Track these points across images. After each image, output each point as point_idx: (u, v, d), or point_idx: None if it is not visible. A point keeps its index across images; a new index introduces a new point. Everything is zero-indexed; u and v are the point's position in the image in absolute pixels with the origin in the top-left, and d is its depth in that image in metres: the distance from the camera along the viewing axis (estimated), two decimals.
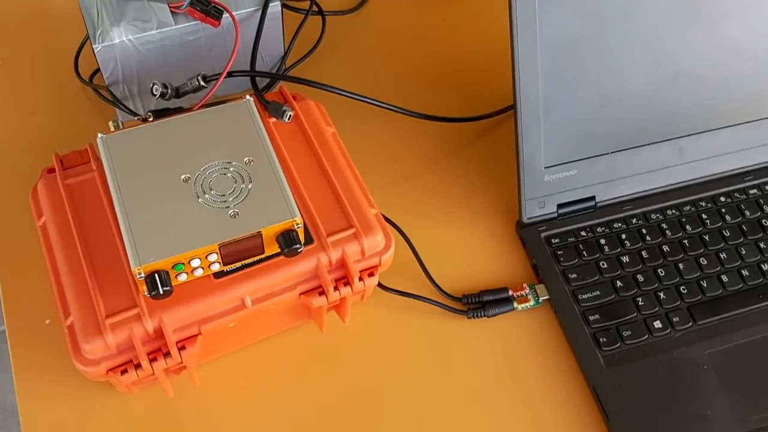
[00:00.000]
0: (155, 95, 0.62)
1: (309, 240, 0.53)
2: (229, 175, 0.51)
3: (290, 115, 0.56)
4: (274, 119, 0.58)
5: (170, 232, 0.48)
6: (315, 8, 0.74)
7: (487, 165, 0.70)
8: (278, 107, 0.57)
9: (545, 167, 0.64)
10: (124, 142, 0.52)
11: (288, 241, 0.49)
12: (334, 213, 0.54)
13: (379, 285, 0.61)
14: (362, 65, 0.76)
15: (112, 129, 0.54)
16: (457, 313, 0.61)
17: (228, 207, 0.50)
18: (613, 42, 0.61)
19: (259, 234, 0.49)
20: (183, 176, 0.51)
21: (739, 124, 0.67)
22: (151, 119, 0.61)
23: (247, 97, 0.55)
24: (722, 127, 0.67)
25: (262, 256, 0.51)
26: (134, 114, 0.65)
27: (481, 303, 0.62)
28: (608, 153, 0.65)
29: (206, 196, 0.50)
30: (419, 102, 0.73)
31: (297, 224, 0.50)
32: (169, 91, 0.63)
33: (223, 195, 0.50)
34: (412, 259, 0.63)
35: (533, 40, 0.59)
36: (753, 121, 0.67)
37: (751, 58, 0.64)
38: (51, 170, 0.56)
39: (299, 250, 0.50)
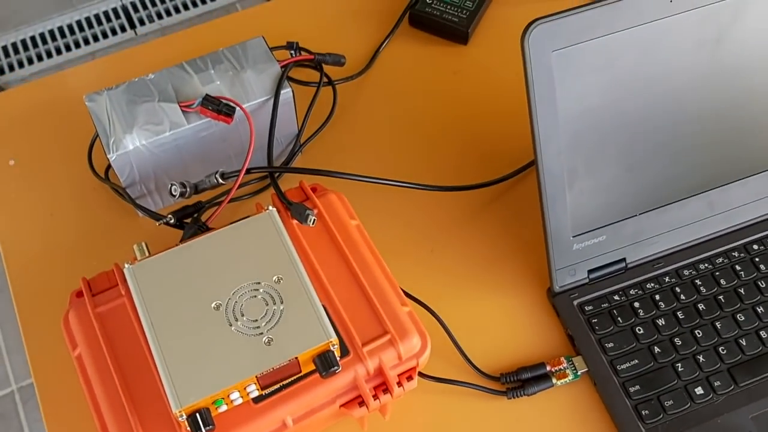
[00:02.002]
0: (174, 196, 0.62)
1: (345, 351, 0.52)
2: (259, 297, 0.50)
3: (314, 220, 0.55)
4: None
5: (206, 366, 0.48)
6: (325, 79, 0.72)
7: (512, 229, 0.69)
8: (301, 210, 0.56)
9: (573, 236, 0.63)
10: (152, 271, 0.51)
11: (325, 364, 0.49)
12: (367, 319, 0.54)
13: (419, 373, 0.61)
14: (375, 130, 0.75)
15: (138, 255, 0.54)
16: (496, 395, 0.61)
17: (261, 333, 0.49)
18: (636, 109, 0.59)
19: (296, 359, 0.49)
20: (214, 303, 0.50)
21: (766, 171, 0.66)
22: (172, 221, 0.61)
23: (270, 208, 0.54)
24: (751, 175, 0.65)
25: (300, 375, 0.51)
26: (154, 215, 0.65)
27: (519, 381, 0.61)
28: (636, 215, 0.64)
29: (238, 323, 0.50)
30: (436, 167, 0.72)
31: (333, 344, 0.49)
32: (188, 189, 0.62)
33: (256, 320, 0.50)
34: (447, 340, 0.62)
35: (553, 115, 0.58)
36: None
37: None
38: (79, 293, 0.56)
39: (337, 371, 0.49)
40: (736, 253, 0.67)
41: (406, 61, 0.79)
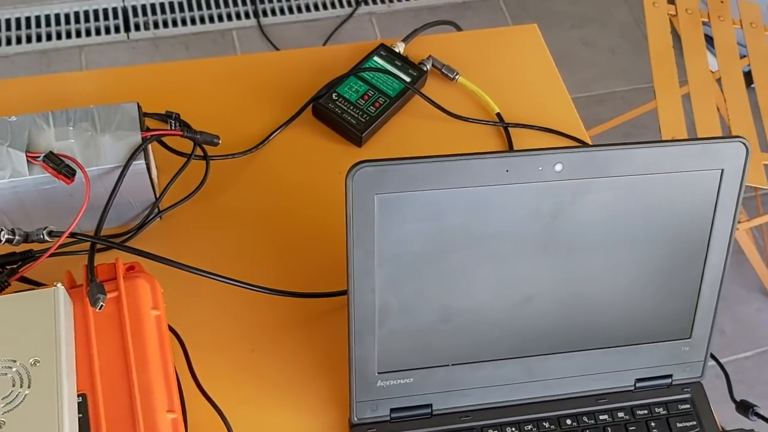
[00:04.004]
0: (1, 241, 0.62)
1: None
2: (9, 375, 0.50)
3: (101, 306, 0.55)
4: None
5: None
6: (200, 153, 0.73)
7: (340, 344, 0.68)
8: (94, 292, 0.56)
9: (378, 372, 0.62)
10: None
11: None
12: (123, 419, 0.53)
13: None
14: (241, 214, 0.75)
15: None
16: None
17: None
18: (458, 263, 0.59)
19: None
20: None
21: (591, 350, 0.65)
22: None
23: (58, 285, 0.54)
24: (574, 351, 0.65)
25: None
26: None
27: None
28: (448, 365, 0.63)
29: None
30: (286, 269, 0.72)
31: None
32: (16, 237, 0.63)
33: None
34: None
35: (370, 253, 0.57)
36: (606, 347, 0.65)
37: (604, 289, 0.62)
38: None
39: None
40: (546, 424, 0.66)
41: (299, 150, 0.79)
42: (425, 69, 0.84)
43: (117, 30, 1.85)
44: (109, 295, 0.57)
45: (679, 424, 0.67)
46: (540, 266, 0.60)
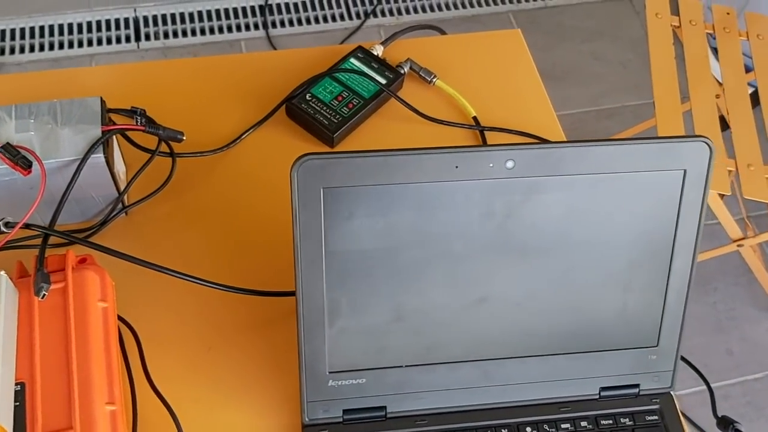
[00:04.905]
0: None
1: None
2: None
3: (44, 294, 0.55)
4: None
5: None
6: (167, 150, 0.73)
7: (295, 345, 0.67)
8: (39, 281, 0.55)
9: (330, 372, 0.61)
10: None
11: None
12: (60, 408, 0.53)
13: None
14: (209, 211, 0.74)
15: None
16: None
17: None
18: (409, 261, 0.58)
19: None
20: None
21: (552, 355, 0.63)
22: None
23: (1, 273, 0.54)
24: (534, 356, 0.63)
25: None
26: None
27: None
28: (402, 366, 0.62)
29: None
30: (249, 267, 0.71)
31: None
32: None
33: None
34: None
35: (318, 250, 0.56)
36: (568, 353, 0.63)
37: (563, 292, 0.61)
38: None
39: None
40: (505, 431, 0.64)
41: (271, 150, 0.79)
42: (402, 72, 0.83)
43: (128, 39, 1.87)
44: (56, 286, 0.57)
45: None
46: (494, 267, 0.59)
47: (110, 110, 0.69)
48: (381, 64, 0.83)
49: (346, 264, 0.57)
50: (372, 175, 0.55)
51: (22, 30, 1.86)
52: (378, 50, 0.85)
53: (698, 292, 1.66)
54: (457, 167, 0.55)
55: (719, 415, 0.69)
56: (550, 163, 0.56)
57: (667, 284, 0.62)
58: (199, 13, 1.92)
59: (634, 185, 0.58)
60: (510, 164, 0.56)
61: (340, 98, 0.80)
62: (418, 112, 0.81)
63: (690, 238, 0.61)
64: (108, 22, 1.89)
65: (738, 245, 1.38)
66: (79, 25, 1.88)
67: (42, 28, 1.87)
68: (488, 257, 0.59)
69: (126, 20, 1.90)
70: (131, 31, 1.88)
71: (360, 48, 0.84)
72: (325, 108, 0.79)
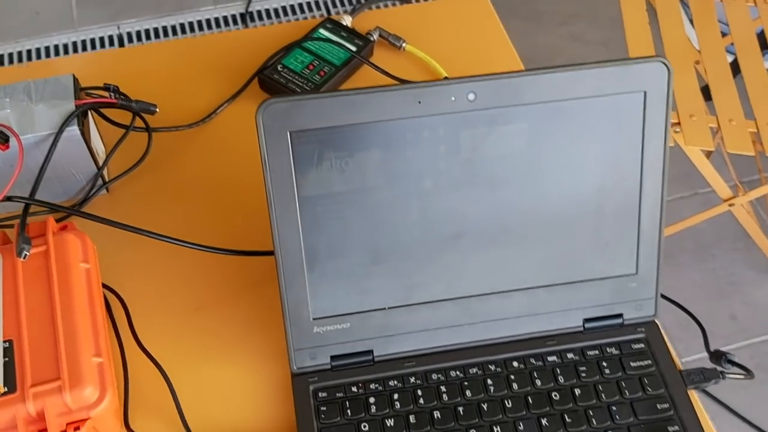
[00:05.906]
0: None
1: (12, 389, 0.52)
2: None
3: (26, 255, 0.56)
4: None
5: None
6: (142, 125, 0.74)
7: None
8: (21, 242, 0.57)
9: (314, 318, 0.62)
10: None
11: None
12: (47, 361, 0.54)
13: (128, 428, 0.60)
14: (188, 184, 0.76)
15: None
16: None
17: None
18: (381, 200, 0.59)
19: None
20: None
21: (532, 288, 0.64)
22: None
23: None
24: (514, 290, 0.64)
25: None
26: None
27: None
28: (384, 308, 0.63)
29: None
30: (233, 231, 0.72)
31: None
32: None
33: None
34: (172, 402, 0.62)
35: (291, 195, 0.58)
36: (547, 285, 0.64)
37: (535, 223, 0.62)
38: None
39: None
40: (492, 367, 0.64)
41: (246, 122, 0.80)
42: (372, 39, 0.85)
43: (111, 43, 1.90)
44: (38, 249, 0.58)
45: (633, 364, 0.65)
46: (466, 201, 0.60)
47: (84, 88, 0.71)
48: (350, 33, 0.84)
49: (320, 208, 0.58)
50: (337, 116, 0.56)
51: (10, 55, 1.89)
52: (347, 20, 0.86)
53: (697, 260, 1.67)
54: (420, 102, 0.57)
55: (711, 350, 0.70)
56: (510, 92, 0.58)
57: (640, 208, 0.63)
58: (182, 25, 1.95)
59: (597, 110, 0.59)
60: (471, 96, 0.57)
61: (311, 67, 0.81)
62: (390, 75, 0.82)
63: (657, 161, 0.62)
64: (93, 41, 1.92)
65: (729, 204, 1.39)
66: (65, 46, 1.91)
67: (29, 51, 1.90)
68: (458, 192, 0.60)
69: (110, 37, 1.93)
70: (116, 47, 1.91)
71: (329, 19, 0.86)
72: (297, 77, 0.80)
